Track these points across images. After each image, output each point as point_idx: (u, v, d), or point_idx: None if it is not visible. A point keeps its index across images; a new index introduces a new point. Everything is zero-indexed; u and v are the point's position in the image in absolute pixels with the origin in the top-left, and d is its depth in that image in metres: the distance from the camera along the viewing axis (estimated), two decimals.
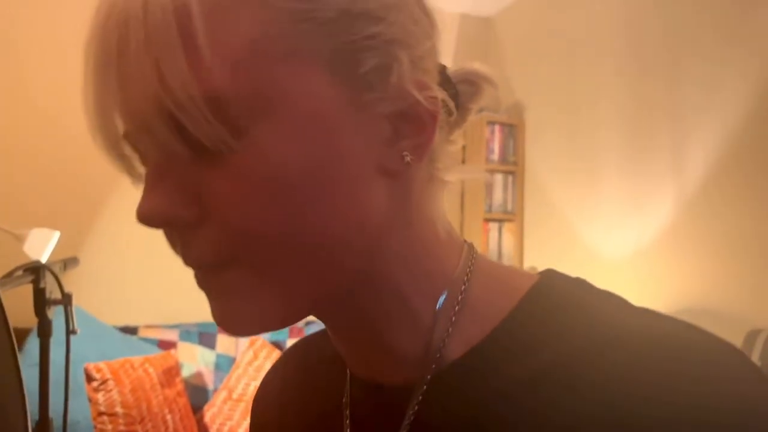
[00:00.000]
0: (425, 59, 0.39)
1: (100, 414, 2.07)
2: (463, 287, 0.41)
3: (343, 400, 0.46)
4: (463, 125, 0.45)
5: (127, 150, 0.39)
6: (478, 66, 0.44)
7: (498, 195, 3.14)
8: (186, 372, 2.52)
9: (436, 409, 0.40)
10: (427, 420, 0.40)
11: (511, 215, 3.16)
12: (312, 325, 2.83)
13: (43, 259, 1.76)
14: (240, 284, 0.37)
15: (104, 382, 2.12)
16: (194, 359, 2.59)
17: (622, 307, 0.39)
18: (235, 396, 2.49)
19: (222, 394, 2.49)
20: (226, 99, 0.34)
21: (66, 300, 0.97)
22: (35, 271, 0.91)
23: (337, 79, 0.36)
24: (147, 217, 0.36)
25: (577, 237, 2.72)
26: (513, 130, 3.16)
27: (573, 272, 0.43)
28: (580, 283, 0.42)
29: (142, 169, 0.39)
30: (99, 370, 2.13)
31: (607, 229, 2.58)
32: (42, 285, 0.93)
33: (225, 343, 2.70)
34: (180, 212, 0.36)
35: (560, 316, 0.39)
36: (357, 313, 0.41)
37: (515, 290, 0.42)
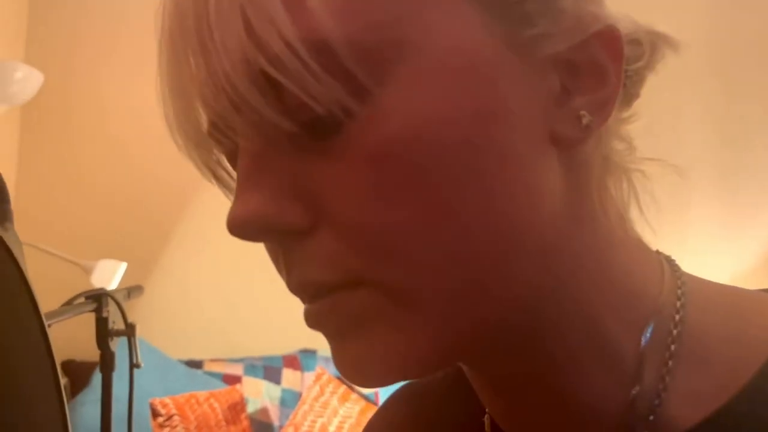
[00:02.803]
0: None
1: None
2: (676, 317, 0.29)
3: None
4: (633, 100, 0.33)
5: (216, 152, 0.29)
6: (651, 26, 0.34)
7: None
8: (251, 408, 2.45)
9: None
10: None
11: None
12: None
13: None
14: (370, 313, 0.26)
15: (170, 417, 2.07)
16: (259, 394, 2.51)
17: None
18: None
19: (288, 431, 2.40)
20: (337, 46, 0.24)
21: (129, 330, 0.90)
22: (97, 299, 0.85)
23: (488, 13, 0.26)
24: (241, 223, 0.26)
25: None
26: None
27: None
28: None
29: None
30: (164, 406, 2.08)
31: (698, 256, 2.39)
32: (104, 314, 0.87)
33: (290, 377, 2.62)
34: (286, 215, 0.26)
35: None
36: (528, 351, 0.29)
37: (760, 326, 0.29)
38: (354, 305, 0.26)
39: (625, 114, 0.33)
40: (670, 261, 0.33)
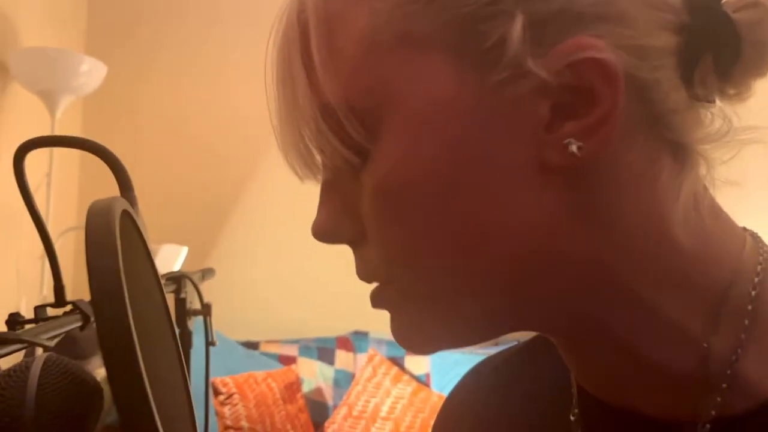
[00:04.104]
0: (602, 4, 0.29)
1: (227, 428, 2.09)
2: (752, 291, 0.31)
3: (571, 419, 0.37)
4: (752, 72, 0.32)
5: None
6: None
7: None
8: (306, 387, 2.51)
9: None
10: None
11: None
12: None
13: None
14: (395, 303, 0.35)
15: (230, 396, 2.14)
16: (313, 375, 2.58)
17: None
18: (355, 413, 2.45)
19: (342, 411, 2.46)
20: (339, 110, 0.31)
21: (206, 310, 0.95)
22: (177, 280, 0.90)
23: (458, 61, 0.29)
24: (315, 233, 0.35)
25: None
26: None
27: None
28: None
29: None
30: (225, 385, 2.15)
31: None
32: (183, 295, 0.91)
33: (343, 358, 2.68)
34: (341, 231, 0.35)
35: None
36: (593, 326, 0.33)
37: None
38: (386, 297, 0.35)
39: (739, 91, 0.32)
40: (755, 236, 0.35)
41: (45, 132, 1.90)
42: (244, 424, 2.11)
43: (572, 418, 0.37)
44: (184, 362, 0.41)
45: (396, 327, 0.36)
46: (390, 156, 0.31)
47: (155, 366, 0.31)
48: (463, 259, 0.31)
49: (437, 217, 0.31)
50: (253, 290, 2.72)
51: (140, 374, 0.25)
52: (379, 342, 2.70)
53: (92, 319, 0.52)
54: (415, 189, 0.31)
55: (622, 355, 0.33)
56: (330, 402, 2.56)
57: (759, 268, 0.32)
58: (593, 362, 0.35)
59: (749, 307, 0.31)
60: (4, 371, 0.29)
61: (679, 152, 0.32)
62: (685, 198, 0.32)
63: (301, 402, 2.38)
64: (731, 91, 0.33)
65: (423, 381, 2.62)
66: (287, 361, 2.56)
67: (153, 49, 2.65)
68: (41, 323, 0.50)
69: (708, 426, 0.30)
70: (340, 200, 0.34)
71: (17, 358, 0.37)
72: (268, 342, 2.62)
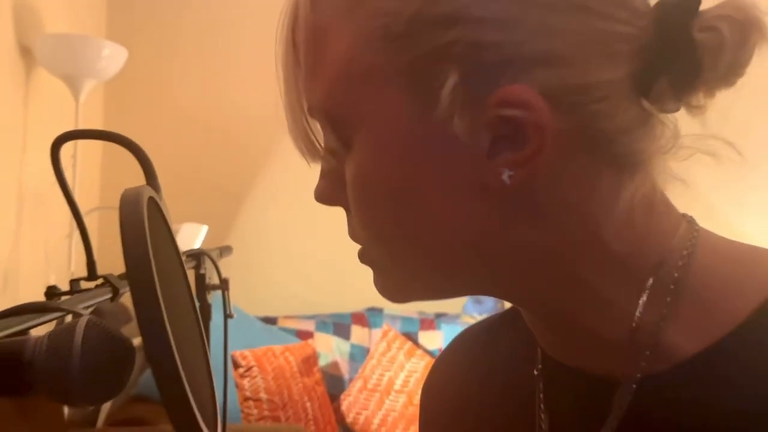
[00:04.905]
0: (555, 38, 0.32)
1: (246, 399, 2.17)
2: (675, 273, 0.36)
3: (535, 373, 0.43)
4: (720, 87, 0.34)
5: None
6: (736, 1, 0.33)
7: None
8: (323, 361, 2.59)
9: (659, 408, 0.35)
10: (642, 419, 0.36)
11: None
12: (443, 317, 2.82)
13: None
14: (371, 263, 0.41)
15: (249, 368, 2.22)
16: (330, 349, 2.65)
17: None
18: (370, 386, 2.53)
19: (357, 384, 2.53)
20: (320, 116, 0.38)
21: (224, 285, 1.01)
22: (196, 257, 0.96)
23: (411, 97, 0.35)
24: (315, 197, 0.42)
25: (724, 225, 2.51)
26: None
27: None
28: None
29: None
30: (244, 358, 2.23)
31: (763, 215, 2.35)
32: (202, 270, 0.97)
33: (359, 333, 2.75)
34: (334, 199, 0.41)
35: None
36: (539, 297, 0.39)
37: (762, 276, 0.36)
38: (366, 257, 0.41)
39: (702, 102, 0.35)
40: (690, 220, 0.39)
41: (69, 114, 1.96)
42: (262, 395, 2.19)
43: (536, 372, 0.43)
44: (203, 327, 0.47)
45: (376, 281, 0.42)
46: (357, 163, 0.37)
47: (180, 329, 0.37)
48: (414, 246, 0.38)
49: (394, 214, 0.38)
50: (271, 268, 2.80)
51: (166, 330, 0.31)
52: (393, 318, 2.77)
53: (121, 291, 0.59)
54: (375, 193, 0.38)
55: (567, 324, 0.39)
56: (346, 375, 2.63)
57: (685, 252, 0.36)
58: (546, 328, 0.41)
59: (672, 287, 0.36)
60: (54, 330, 0.35)
61: (623, 166, 0.35)
62: (622, 204, 0.35)
63: (317, 375, 2.46)
64: (701, 102, 0.35)
65: (436, 355, 2.68)
66: (304, 336, 2.63)
67: (172, 33, 2.70)
68: (76, 294, 0.56)
69: (634, 386, 0.36)
70: (335, 175, 0.40)
71: (50, 326, 0.43)
72: (286, 317, 2.70)
